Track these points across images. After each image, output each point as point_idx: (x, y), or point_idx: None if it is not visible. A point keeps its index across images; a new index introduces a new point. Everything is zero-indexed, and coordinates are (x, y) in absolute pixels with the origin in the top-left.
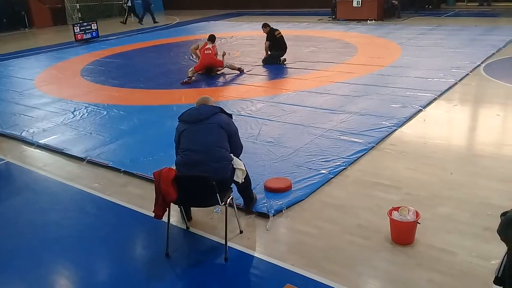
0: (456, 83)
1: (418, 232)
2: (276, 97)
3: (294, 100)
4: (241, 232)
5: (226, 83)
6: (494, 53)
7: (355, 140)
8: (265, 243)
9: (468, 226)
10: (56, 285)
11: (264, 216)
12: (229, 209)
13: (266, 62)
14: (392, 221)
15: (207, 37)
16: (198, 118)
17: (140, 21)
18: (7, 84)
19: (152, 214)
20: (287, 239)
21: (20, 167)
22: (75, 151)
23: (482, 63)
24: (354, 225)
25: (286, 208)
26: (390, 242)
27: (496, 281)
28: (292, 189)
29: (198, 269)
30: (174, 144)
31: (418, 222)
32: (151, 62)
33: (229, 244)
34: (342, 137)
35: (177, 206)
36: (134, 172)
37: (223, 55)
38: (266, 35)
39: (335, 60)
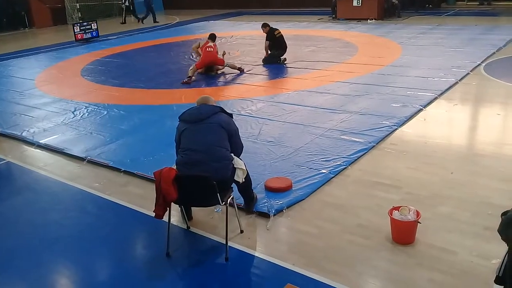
0: (456, 83)
1: (418, 231)
2: (277, 96)
3: (295, 100)
4: (241, 231)
5: (227, 83)
6: (494, 53)
7: (355, 139)
8: (265, 243)
9: (468, 226)
10: (57, 285)
11: (265, 215)
12: (229, 208)
13: (266, 61)
14: (393, 221)
15: (208, 36)
16: (199, 117)
17: (142, 20)
18: (8, 84)
19: (153, 214)
20: (287, 238)
21: (21, 167)
22: (76, 151)
23: (482, 62)
24: (355, 225)
25: (287, 208)
26: (390, 241)
27: (497, 281)
28: (293, 188)
29: (199, 269)
30: (175, 144)
31: (418, 222)
32: (151, 62)
33: (230, 243)
34: (342, 137)
35: (177, 205)
36: (135, 172)
37: (223, 54)
38: (265, 35)
39: (335, 60)
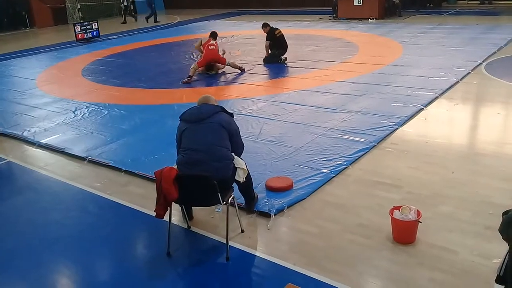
0: (457, 82)
1: (419, 231)
2: (277, 96)
3: (295, 99)
4: (242, 231)
5: (227, 82)
6: (495, 52)
7: (356, 139)
8: (266, 242)
9: (469, 225)
10: (57, 285)
11: (266, 215)
12: (230, 208)
13: (267, 61)
14: (394, 220)
15: (209, 34)
16: (199, 117)
17: (147, 19)
18: (9, 84)
19: (154, 214)
20: (288, 238)
21: (22, 166)
22: (76, 150)
23: (483, 61)
24: (355, 224)
25: (288, 207)
26: (391, 241)
27: (498, 280)
28: (293, 188)
29: (200, 269)
30: (175, 143)
31: (419, 221)
32: (152, 62)
33: (231, 243)
34: (343, 136)
35: (178, 205)
36: (136, 172)
37: (223, 53)
38: (266, 34)
39: (336, 59)
